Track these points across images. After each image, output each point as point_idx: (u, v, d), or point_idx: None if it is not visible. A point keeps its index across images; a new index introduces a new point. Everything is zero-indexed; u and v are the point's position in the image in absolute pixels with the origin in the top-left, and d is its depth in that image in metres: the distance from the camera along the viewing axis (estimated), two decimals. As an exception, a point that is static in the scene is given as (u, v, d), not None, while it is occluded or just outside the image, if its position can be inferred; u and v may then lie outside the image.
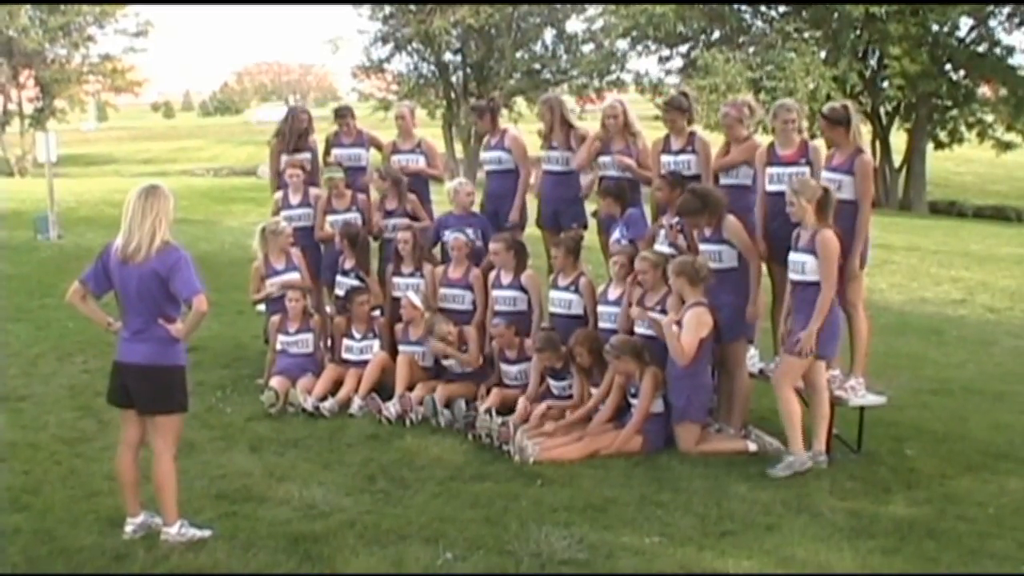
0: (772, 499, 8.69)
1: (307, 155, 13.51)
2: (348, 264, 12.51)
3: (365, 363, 11.75)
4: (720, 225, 10.06)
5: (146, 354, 7.51)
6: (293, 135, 13.50)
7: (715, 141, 11.14)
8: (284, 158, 13.44)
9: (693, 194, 10.11)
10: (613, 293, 10.80)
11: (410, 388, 11.29)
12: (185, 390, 7.75)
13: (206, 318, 7.65)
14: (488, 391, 11.23)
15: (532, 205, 12.44)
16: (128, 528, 7.71)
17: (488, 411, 10.52)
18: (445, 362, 11.64)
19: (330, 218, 12.89)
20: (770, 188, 10.26)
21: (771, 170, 10.31)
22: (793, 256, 9.44)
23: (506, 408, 10.80)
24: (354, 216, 12.81)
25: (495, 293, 11.59)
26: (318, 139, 13.83)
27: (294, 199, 13.09)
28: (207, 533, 7.69)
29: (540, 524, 8.00)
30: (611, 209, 11.35)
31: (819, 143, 10.49)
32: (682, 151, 10.98)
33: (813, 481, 9.14)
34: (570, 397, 10.79)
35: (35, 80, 67.47)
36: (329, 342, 12.47)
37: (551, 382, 10.92)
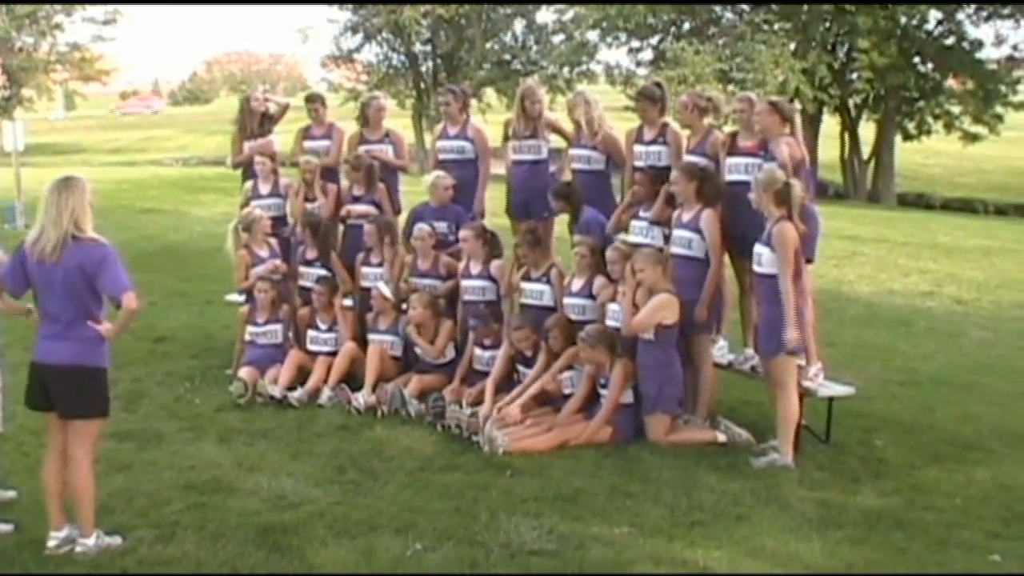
0: (741, 489, 8.71)
1: (271, 139, 13.50)
2: (311, 254, 12.47)
3: (332, 354, 11.73)
4: (700, 214, 10.09)
5: (70, 355, 7.19)
6: (253, 120, 13.47)
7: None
8: (247, 145, 13.42)
9: (698, 170, 10.22)
10: (576, 284, 10.78)
11: (381, 379, 11.26)
12: (108, 394, 7.45)
13: (136, 317, 7.38)
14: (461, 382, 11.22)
15: (502, 194, 12.40)
16: (51, 543, 7.36)
17: (457, 402, 10.52)
18: (417, 349, 11.59)
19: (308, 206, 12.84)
20: (729, 178, 10.33)
21: (731, 160, 10.40)
22: (755, 248, 9.49)
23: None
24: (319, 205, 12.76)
25: (464, 283, 11.56)
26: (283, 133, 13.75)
27: (264, 188, 13.04)
28: (118, 540, 7.44)
29: (510, 515, 8.01)
30: (562, 211, 11.39)
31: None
32: (653, 142, 11.00)
33: (782, 472, 9.17)
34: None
35: (2, 68, 66.75)
36: (295, 333, 12.37)
37: (522, 370, 10.89)
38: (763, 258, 9.34)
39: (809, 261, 9.94)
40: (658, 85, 11.39)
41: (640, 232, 10.71)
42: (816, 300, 10.49)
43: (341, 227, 12.94)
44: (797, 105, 10.65)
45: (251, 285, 12.18)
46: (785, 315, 9.23)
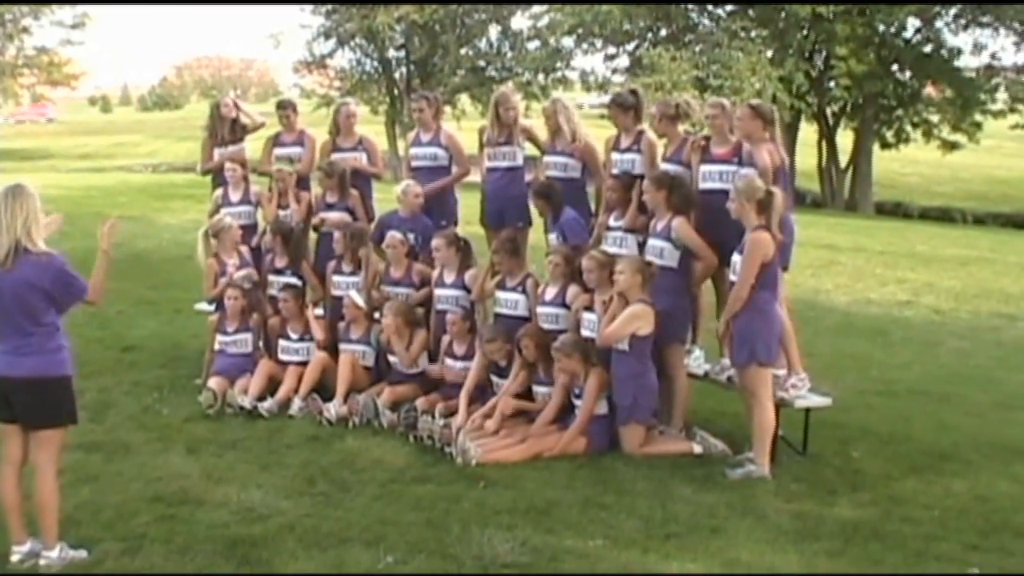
0: (717, 501, 8.72)
1: (242, 146, 13.46)
2: (280, 262, 12.43)
3: (303, 364, 11.70)
4: (670, 223, 10.10)
5: (31, 367, 7.11)
6: (224, 126, 13.43)
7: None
8: (217, 151, 13.39)
9: (667, 179, 10.26)
10: (550, 293, 10.76)
11: (352, 389, 11.23)
12: (73, 400, 7.41)
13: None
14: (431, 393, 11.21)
15: (476, 203, 12.40)
16: (14, 558, 7.30)
17: (429, 412, 10.51)
18: (391, 357, 11.56)
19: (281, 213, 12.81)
20: (703, 186, 10.33)
21: (704, 168, 10.39)
22: (733, 257, 9.50)
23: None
24: (289, 212, 12.74)
25: (437, 292, 11.54)
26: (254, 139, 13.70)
27: (234, 196, 12.99)
28: (84, 554, 7.39)
29: (483, 527, 7.99)
30: (542, 210, 11.38)
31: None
32: (628, 149, 11.00)
33: (758, 483, 9.18)
34: (516, 397, 10.69)
35: (-34, 72, 66.67)
36: (266, 342, 12.32)
37: (496, 380, 10.87)
38: (738, 267, 9.36)
39: (784, 269, 9.98)
40: (633, 92, 11.38)
41: (614, 242, 10.70)
42: (792, 309, 10.53)
43: (315, 235, 12.91)
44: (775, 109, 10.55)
45: (220, 293, 12.11)
46: (725, 312, 9.35)
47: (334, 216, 12.50)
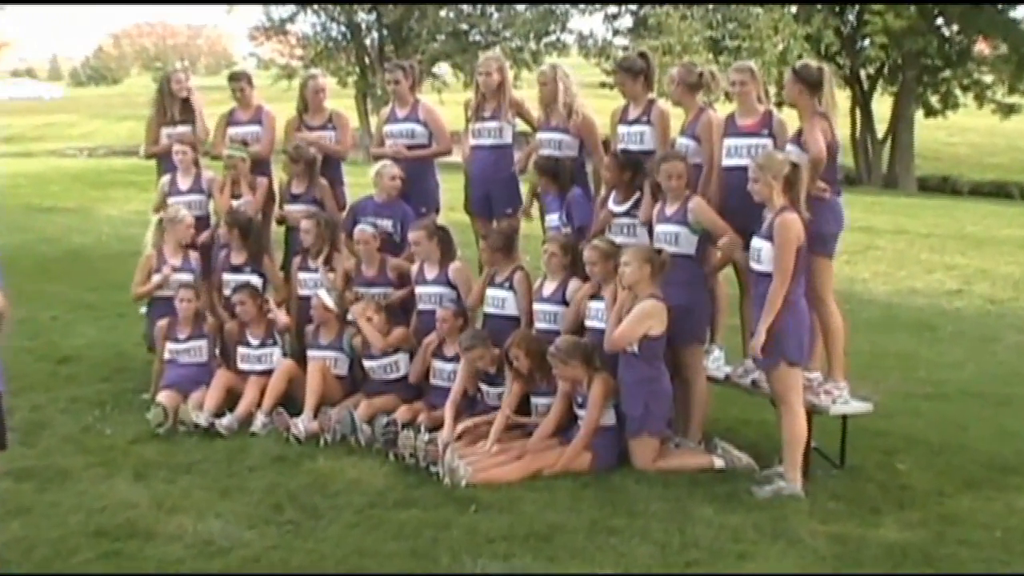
0: (743, 523, 8.70)
1: (190, 128, 13.40)
2: (238, 258, 12.40)
3: (267, 373, 11.68)
4: (686, 204, 10.09)
5: None
6: (174, 105, 13.38)
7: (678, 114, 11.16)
8: (165, 132, 13.34)
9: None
10: (548, 288, 10.78)
11: (323, 401, 11.22)
12: (3, 422, 7.43)
13: (8, 322, 7.36)
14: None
15: (459, 187, 12.40)
16: None
17: (411, 426, 10.50)
18: (367, 363, 11.57)
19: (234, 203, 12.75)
20: (727, 162, 10.31)
21: (728, 141, 10.37)
22: (753, 242, 9.47)
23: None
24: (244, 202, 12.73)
25: (419, 290, 11.56)
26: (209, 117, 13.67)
27: (183, 183, 12.95)
28: None
29: (475, 557, 7.99)
30: (547, 189, 11.37)
31: (787, 113, 10.51)
32: (636, 121, 11.00)
33: (790, 502, 9.16)
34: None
35: None
36: (222, 350, 12.30)
37: (485, 389, 10.89)
38: (762, 254, 9.31)
39: (829, 257, 10.00)
40: (642, 56, 11.37)
41: (619, 230, 10.71)
42: (840, 305, 10.46)
43: (280, 228, 12.90)
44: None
45: (148, 292, 12.22)
46: (763, 319, 9.26)
47: (299, 209, 12.52)
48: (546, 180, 11.34)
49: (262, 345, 11.93)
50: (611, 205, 10.78)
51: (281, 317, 12.08)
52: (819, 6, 47.47)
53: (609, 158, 10.87)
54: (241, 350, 11.96)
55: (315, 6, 58.60)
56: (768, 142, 10.11)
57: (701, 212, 10.07)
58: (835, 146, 9.95)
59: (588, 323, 10.36)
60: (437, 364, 11.30)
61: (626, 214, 10.71)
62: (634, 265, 9.79)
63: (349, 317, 11.68)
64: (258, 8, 61.45)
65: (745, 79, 10.37)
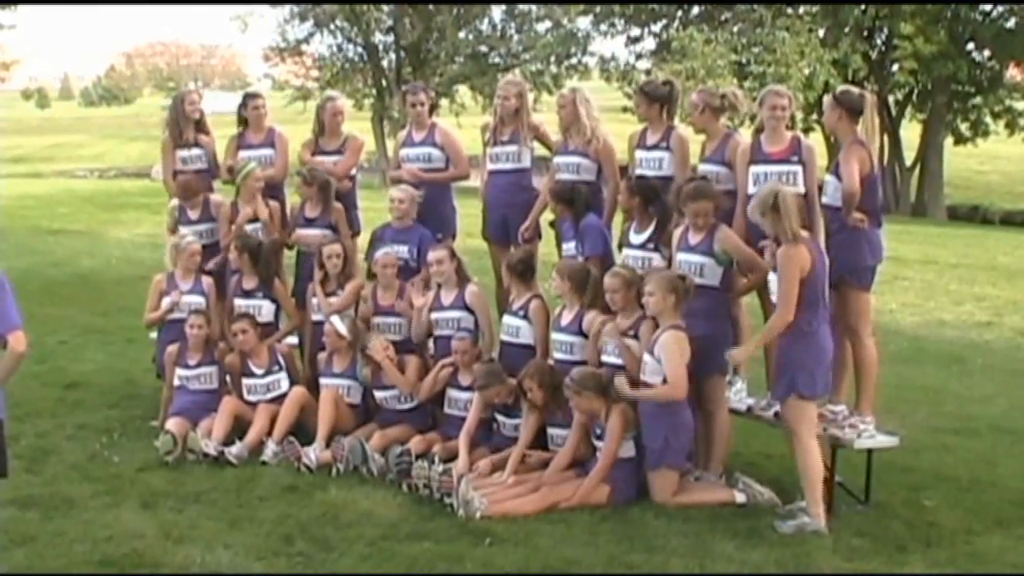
0: (765, 560, 8.69)
1: (203, 152, 13.35)
2: (249, 283, 12.41)
3: (276, 400, 11.68)
4: (713, 233, 10.09)
5: None
6: (188, 124, 13.36)
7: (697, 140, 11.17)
8: (180, 155, 13.29)
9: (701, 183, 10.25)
10: (566, 318, 10.75)
11: (335, 430, 11.22)
12: (4, 449, 7.46)
13: (24, 360, 7.35)
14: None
15: (476, 212, 12.42)
16: None
17: (425, 456, 10.49)
18: (378, 394, 11.58)
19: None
20: (753, 190, 10.21)
21: (756, 168, 10.36)
22: (770, 274, 9.48)
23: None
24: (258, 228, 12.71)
25: (435, 316, 11.56)
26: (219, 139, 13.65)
27: (192, 213, 12.94)
28: None
29: (490, 592, 7.98)
30: (563, 215, 11.39)
31: (815, 139, 10.50)
32: (655, 147, 11.03)
33: (813, 538, 9.12)
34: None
35: None
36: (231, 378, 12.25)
37: (502, 419, 10.90)
38: (774, 285, 9.37)
39: (865, 289, 10.06)
40: (667, 83, 11.36)
41: (634, 261, 10.69)
42: (878, 340, 10.44)
43: (293, 254, 12.91)
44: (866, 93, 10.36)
45: (161, 317, 12.23)
46: (758, 339, 9.29)
47: (312, 234, 12.53)
48: (561, 207, 11.34)
49: (268, 373, 11.89)
50: (631, 235, 10.79)
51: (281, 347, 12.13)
52: (846, 30, 47.43)
53: (625, 184, 10.87)
54: (247, 381, 11.90)
55: (331, 26, 58.72)
56: (798, 169, 10.13)
57: (730, 243, 10.06)
58: (874, 176, 9.97)
59: (604, 358, 10.35)
60: (452, 393, 11.31)
61: (642, 247, 10.72)
62: (658, 295, 9.77)
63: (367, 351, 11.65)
64: (273, 28, 61.73)
65: (787, 104, 10.37)
